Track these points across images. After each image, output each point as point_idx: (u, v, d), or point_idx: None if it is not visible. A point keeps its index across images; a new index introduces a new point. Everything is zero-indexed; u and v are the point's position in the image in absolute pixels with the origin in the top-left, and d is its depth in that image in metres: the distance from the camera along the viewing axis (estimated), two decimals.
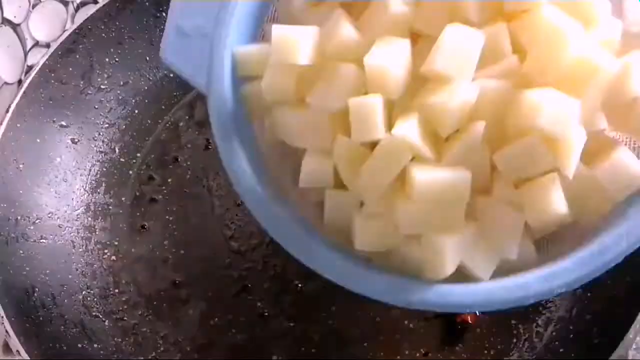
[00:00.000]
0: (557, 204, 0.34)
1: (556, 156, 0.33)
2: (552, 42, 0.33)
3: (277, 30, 0.35)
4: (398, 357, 0.49)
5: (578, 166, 0.34)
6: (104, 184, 0.58)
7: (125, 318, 0.53)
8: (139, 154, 0.59)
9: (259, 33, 0.41)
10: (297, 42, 0.35)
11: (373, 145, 0.34)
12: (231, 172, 0.37)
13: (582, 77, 0.33)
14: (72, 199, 0.57)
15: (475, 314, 0.50)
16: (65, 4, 0.62)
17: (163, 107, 0.61)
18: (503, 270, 0.36)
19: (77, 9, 0.62)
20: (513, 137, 0.34)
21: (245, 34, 0.40)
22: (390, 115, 0.35)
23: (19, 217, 0.54)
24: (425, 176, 0.33)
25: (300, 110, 0.37)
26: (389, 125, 0.34)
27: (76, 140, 0.59)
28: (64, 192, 0.57)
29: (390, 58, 0.33)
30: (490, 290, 0.35)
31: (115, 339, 0.52)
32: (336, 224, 0.37)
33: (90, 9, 0.60)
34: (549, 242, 0.38)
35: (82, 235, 0.56)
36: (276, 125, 0.38)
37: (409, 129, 0.33)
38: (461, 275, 0.35)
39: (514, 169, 0.34)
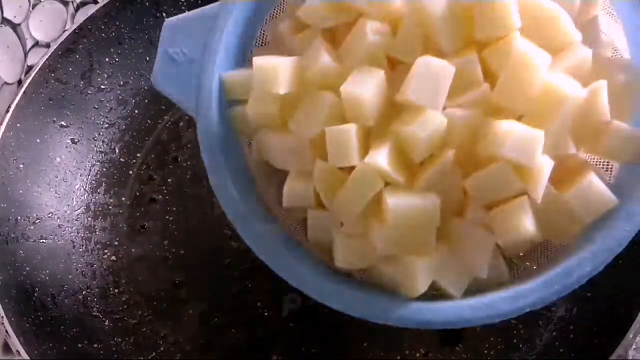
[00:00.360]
0: (526, 225, 0.35)
1: (524, 181, 0.34)
2: (521, 70, 0.34)
3: (258, 61, 0.37)
4: (398, 357, 0.49)
5: (549, 189, 0.35)
6: (104, 184, 0.58)
7: (125, 318, 0.52)
8: (139, 154, 0.59)
9: (247, 56, 0.42)
10: (276, 72, 0.36)
11: (351, 169, 0.35)
12: (217, 192, 0.39)
13: (550, 105, 0.34)
14: (72, 199, 0.57)
15: None
16: (65, 4, 0.62)
17: (163, 107, 0.61)
18: (479, 287, 0.37)
19: (77, 9, 0.62)
20: (483, 163, 0.35)
21: (233, 57, 0.41)
22: (369, 141, 0.36)
23: (19, 217, 0.54)
24: (397, 202, 0.34)
25: (283, 134, 0.38)
26: (367, 151, 0.35)
27: (76, 140, 0.59)
28: (64, 192, 0.57)
29: (365, 87, 0.34)
30: (461, 309, 0.36)
31: (115, 339, 0.52)
32: (319, 241, 0.39)
33: (90, 9, 0.60)
34: (526, 261, 0.39)
35: (82, 235, 0.56)
36: (261, 148, 0.40)
37: (380, 157, 0.34)
38: (440, 292, 0.37)
39: (484, 193, 0.35)
